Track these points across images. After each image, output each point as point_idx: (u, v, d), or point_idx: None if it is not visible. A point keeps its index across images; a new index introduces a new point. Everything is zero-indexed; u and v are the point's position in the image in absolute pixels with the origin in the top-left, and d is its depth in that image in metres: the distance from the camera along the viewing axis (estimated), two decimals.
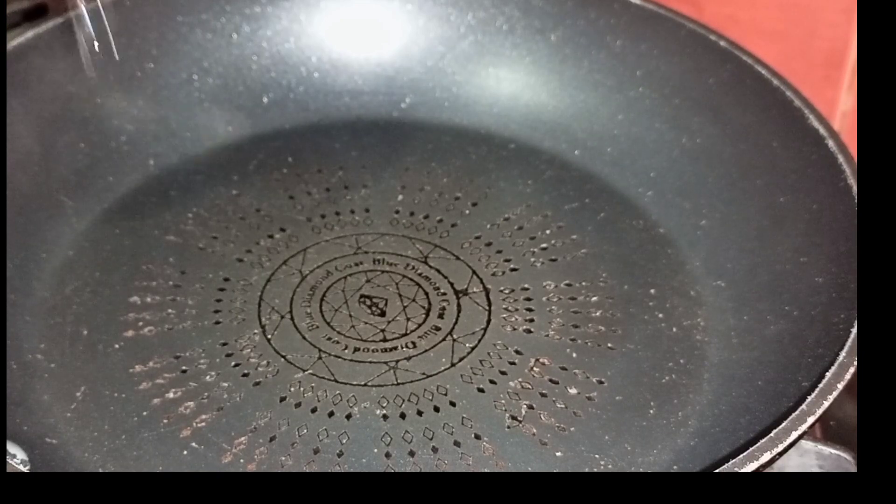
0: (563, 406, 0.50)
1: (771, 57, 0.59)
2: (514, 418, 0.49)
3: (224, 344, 0.52)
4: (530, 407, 0.49)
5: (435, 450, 0.47)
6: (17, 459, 0.43)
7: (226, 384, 0.50)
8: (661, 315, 0.54)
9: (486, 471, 0.47)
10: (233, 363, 0.51)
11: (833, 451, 0.45)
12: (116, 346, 0.51)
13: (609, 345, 0.53)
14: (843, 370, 0.43)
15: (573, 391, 0.50)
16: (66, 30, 0.59)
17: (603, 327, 0.53)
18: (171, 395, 0.49)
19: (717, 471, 0.39)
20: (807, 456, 0.45)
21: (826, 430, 0.55)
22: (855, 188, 0.51)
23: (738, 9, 0.66)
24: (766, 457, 0.39)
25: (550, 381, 0.51)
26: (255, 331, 0.52)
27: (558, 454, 0.48)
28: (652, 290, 0.56)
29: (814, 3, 0.65)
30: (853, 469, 0.44)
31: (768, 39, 0.59)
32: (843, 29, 0.64)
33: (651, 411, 0.50)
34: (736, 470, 0.39)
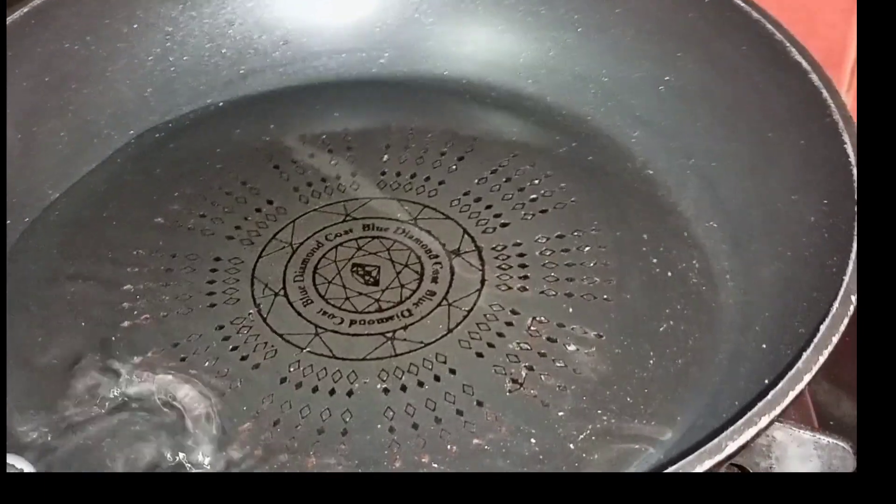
0: (562, 365, 0.50)
1: None
2: (514, 381, 0.49)
3: (220, 327, 0.52)
4: (530, 368, 0.50)
5: (438, 420, 0.48)
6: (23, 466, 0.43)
7: (226, 369, 0.50)
8: (655, 260, 0.54)
9: (491, 436, 0.47)
10: (230, 346, 0.51)
11: (831, 440, 0.45)
12: (113, 337, 0.51)
13: (605, 296, 0.53)
14: (838, 321, 0.42)
15: (572, 348, 0.50)
16: (37, 18, 0.58)
17: (598, 278, 0.53)
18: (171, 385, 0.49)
19: (718, 438, 0.38)
20: (805, 446, 0.45)
21: (825, 428, 0.55)
22: (841, 124, 0.50)
23: None
24: (765, 421, 0.39)
25: (549, 339, 0.51)
26: (251, 311, 0.52)
27: (560, 414, 0.48)
28: (645, 235, 0.55)
29: (812, 4, 0.65)
30: (851, 459, 0.45)
31: None
32: (842, 29, 0.64)
33: (650, 362, 0.50)
34: (735, 438, 0.39)
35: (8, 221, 0.55)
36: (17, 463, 0.43)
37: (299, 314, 0.52)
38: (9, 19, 0.57)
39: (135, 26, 0.62)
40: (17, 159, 0.57)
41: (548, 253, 0.55)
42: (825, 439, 0.44)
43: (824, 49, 0.60)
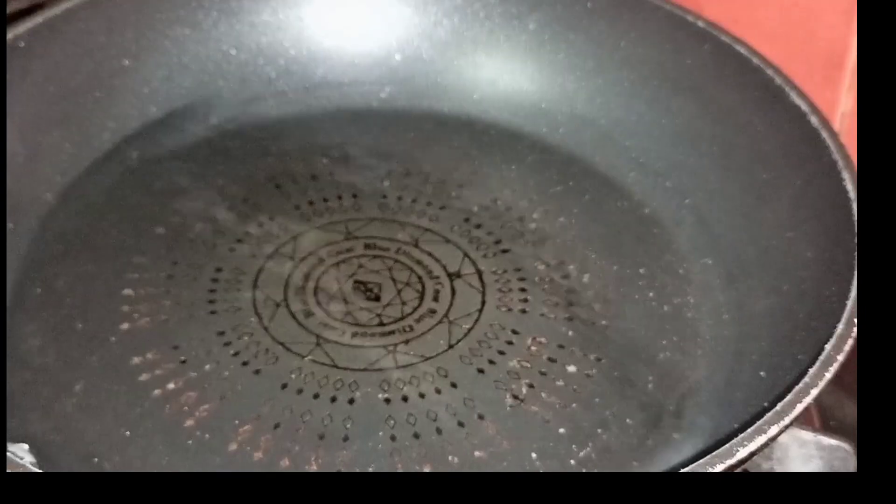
0: (562, 384, 0.50)
1: (771, 58, 0.59)
2: (515, 397, 0.49)
3: (221, 333, 0.51)
4: (531, 385, 0.50)
5: (439, 431, 0.48)
6: (26, 461, 0.42)
7: (226, 373, 0.50)
8: (651, 294, 0.55)
9: (492, 449, 0.47)
10: (231, 352, 0.51)
11: (832, 441, 0.46)
12: (113, 338, 0.51)
13: (604, 322, 0.53)
14: (842, 342, 0.43)
15: (572, 369, 0.51)
16: (48, 30, 0.58)
17: (597, 305, 0.54)
18: (171, 385, 0.49)
19: (728, 444, 0.39)
20: (806, 447, 0.46)
21: (826, 429, 0.55)
22: (840, 163, 0.52)
23: (739, 10, 0.67)
24: (774, 430, 0.39)
25: (549, 359, 0.51)
26: (252, 319, 0.52)
27: (561, 431, 0.48)
28: (641, 270, 0.56)
29: (813, 5, 0.66)
30: (852, 459, 0.45)
31: (768, 41, 0.59)
32: (843, 30, 0.65)
33: (649, 387, 0.50)
34: (745, 444, 0.39)
35: (10, 225, 0.55)
36: (19, 451, 0.43)
37: (300, 324, 0.52)
38: (20, 29, 0.57)
39: (142, 45, 0.62)
40: (20, 166, 0.57)
41: (547, 279, 0.55)
42: (827, 440, 0.45)
43: (824, 49, 0.60)
